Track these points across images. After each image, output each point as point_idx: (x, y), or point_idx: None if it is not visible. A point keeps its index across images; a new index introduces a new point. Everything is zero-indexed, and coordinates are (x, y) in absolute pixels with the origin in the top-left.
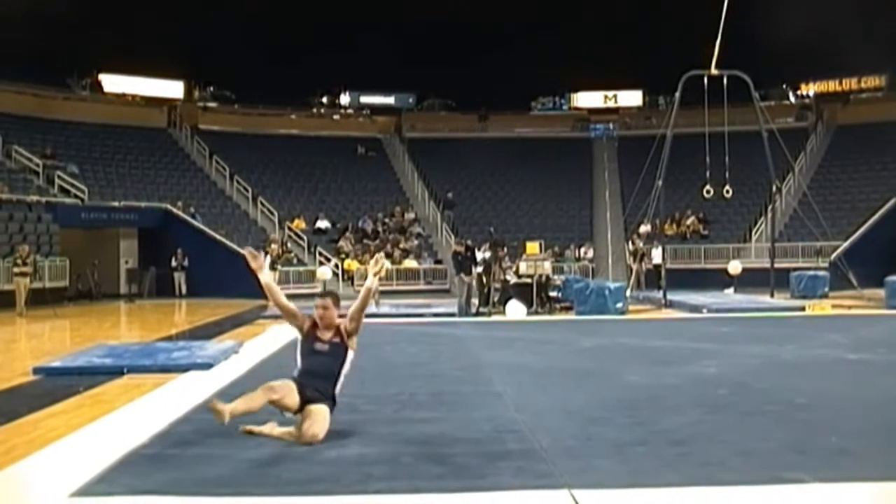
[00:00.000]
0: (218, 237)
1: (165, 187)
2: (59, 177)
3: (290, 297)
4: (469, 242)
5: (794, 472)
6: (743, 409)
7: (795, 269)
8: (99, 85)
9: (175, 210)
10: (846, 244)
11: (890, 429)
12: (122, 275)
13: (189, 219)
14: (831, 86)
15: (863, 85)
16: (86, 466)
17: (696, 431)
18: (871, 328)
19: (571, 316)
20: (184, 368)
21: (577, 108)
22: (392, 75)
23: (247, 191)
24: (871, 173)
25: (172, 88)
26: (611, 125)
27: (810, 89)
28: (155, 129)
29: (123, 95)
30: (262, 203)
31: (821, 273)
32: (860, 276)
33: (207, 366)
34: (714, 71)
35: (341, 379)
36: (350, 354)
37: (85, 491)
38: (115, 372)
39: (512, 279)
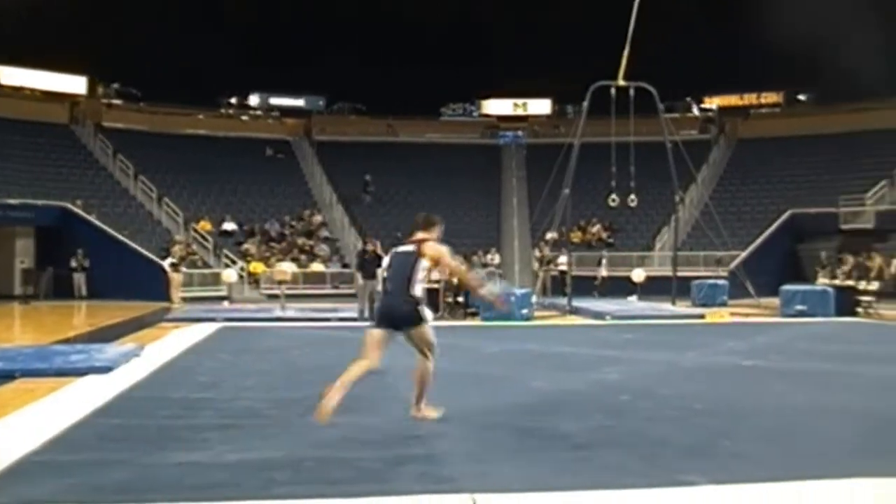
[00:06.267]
0: (121, 238)
1: (66, 185)
2: None
3: (194, 299)
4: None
5: (689, 474)
6: (643, 415)
7: (696, 278)
8: None
9: (75, 209)
10: (745, 254)
11: (780, 433)
12: (16, 275)
13: (90, 218)
14: (733, 100)
15: (762, 100)
16: None
17: (597, 436)
18: (766, 335)
19: (477, 322)
20: (81, 372)
21: (486, 115)
22: (302, 78)
23: (151, 191)
24: (768, 186)
25: (75, 84)
26: (520, 133)
27: (713, 103)
28: (56, 124)
29: (22, 89)
30: (167, 203)
31: (720, 282)
32: (757, 285)
33: (107, 369)
34: (621, 82)
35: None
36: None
37: None
38: (6, 376)
39: None
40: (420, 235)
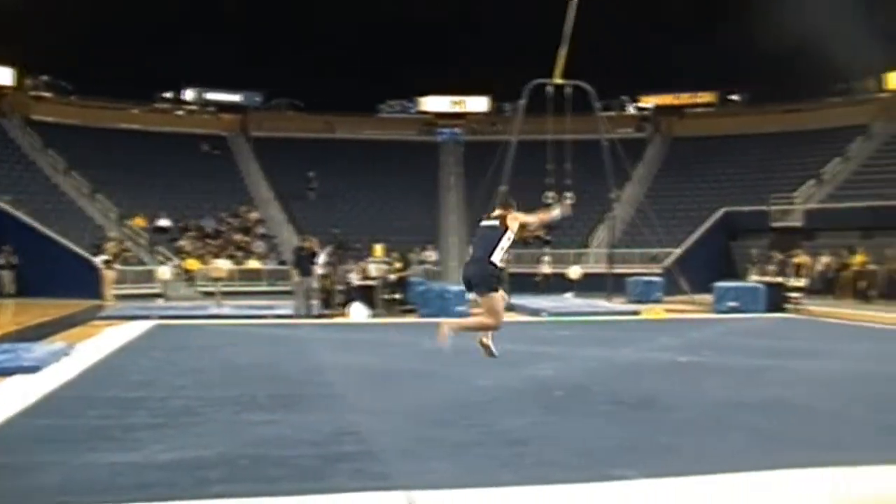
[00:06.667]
0: (51, 234)
1: None
2: None
3: (128, 297)
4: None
5: (623, 469)
6: (579, 410)
7: (632, 275)
8: None
9: (2, 205)
10: (679, 251)
11: (712, 427)
12: None
13: (18, 214)
14: (668, 99)
15: (696, 100)
16: None
17: (533, 432)
18: (699, 331)
19: (415, 318)
20: (8, 372)
21: (424, 112)
22: (239, 73)
23: (84, 186)
24: (703, 184)
25: (1, 75)
26: (457, 130)
27: (649, 102)
28: None
29: None
30: (99, 200)
31: (655, 279)
32: (691, 281)
33: (35, 369)
34: (558, 80)
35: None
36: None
37: None
38: None
39: (355, 281)
40: (500, 212)
